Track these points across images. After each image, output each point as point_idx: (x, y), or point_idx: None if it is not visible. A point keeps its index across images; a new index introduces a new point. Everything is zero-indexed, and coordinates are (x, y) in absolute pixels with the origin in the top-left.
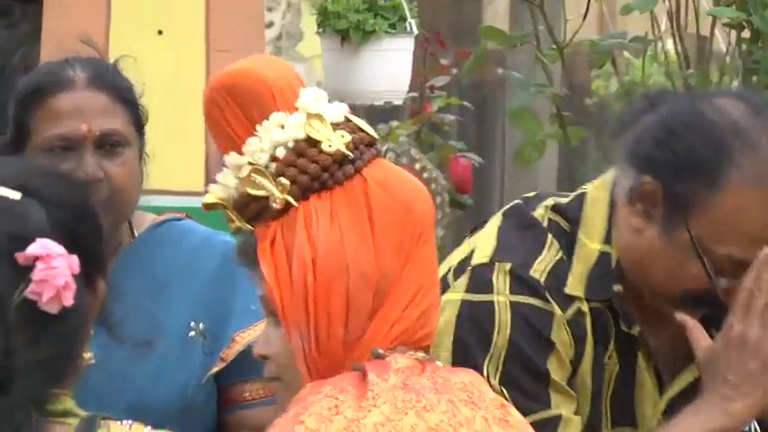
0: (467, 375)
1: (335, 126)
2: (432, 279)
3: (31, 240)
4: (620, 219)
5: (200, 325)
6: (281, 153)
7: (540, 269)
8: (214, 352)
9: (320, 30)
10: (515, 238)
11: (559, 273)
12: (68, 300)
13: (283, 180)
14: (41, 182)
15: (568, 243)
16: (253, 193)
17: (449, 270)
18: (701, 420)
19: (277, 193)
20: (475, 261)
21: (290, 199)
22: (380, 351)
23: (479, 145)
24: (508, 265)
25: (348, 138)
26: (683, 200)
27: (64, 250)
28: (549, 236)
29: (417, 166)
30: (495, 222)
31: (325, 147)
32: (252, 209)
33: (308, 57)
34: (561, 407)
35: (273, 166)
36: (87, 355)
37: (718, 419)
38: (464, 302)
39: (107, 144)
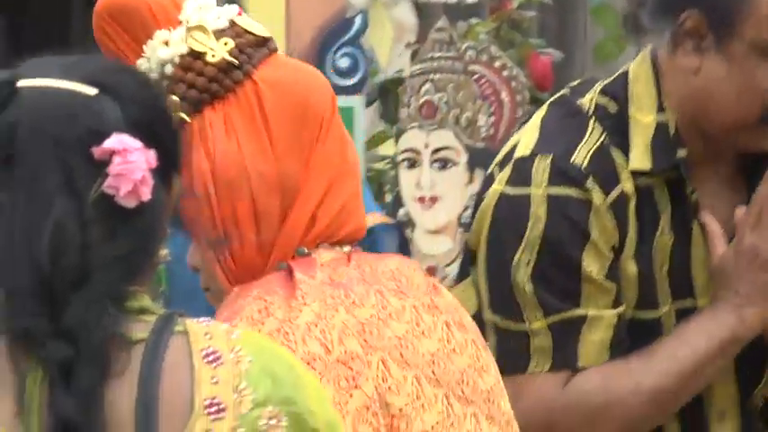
0: (393, 261)
1: (220, 33)
2: (345, 170)
3: (107, 135)
4: (672, 75)
5: None
6: (168, 70)
7: (582, 154)
8: None
9: None
10: (558, 129)
11: (602, 156)
12: (146, 194)
13: (174, 97)
14: (117, 78)
15: (615, 126)
16: None
17: (495, 163)
18: (716, 326)
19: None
20: (517, 154)
21: (183, 116)
22: (305, 250)
23: (560, 41)
24: (549, 157)
25: (232, 44)
26: (725, 13)
27: (140, 144)
28: (592, 122)
29: (497, 63)
30: (539, 114)
31: (209, 57)
32: None
33: None
34: (590, 304)
35: (164, 84)
36: (163, 252)
37: (731, 325)
38: (502, 195)
39: None
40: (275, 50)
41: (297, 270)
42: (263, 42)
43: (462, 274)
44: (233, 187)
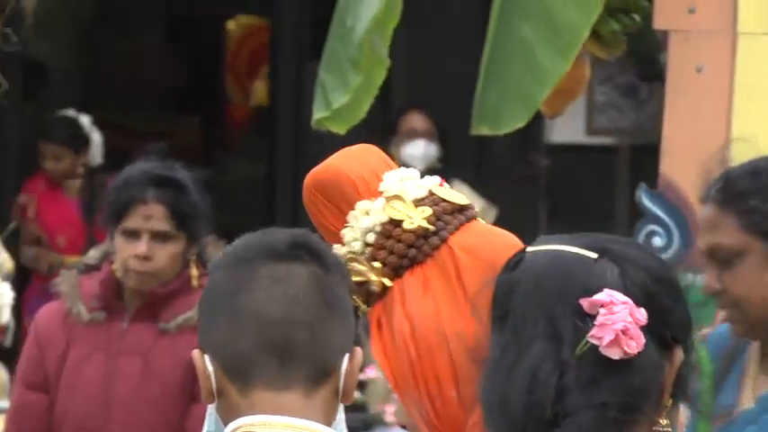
0: None
1: (418, 202)
2: None
3: (599, 292)
4: None
5: None
6: (371, 238)
7: None
8: None
9: None
10: None
11: None
12: (631, 347)
13: (375, 264)
14: (619, 246)
15: None
16: (355, 279)
17: None
18: None
19: (373, 277)
20: None
21: (385, 280)
22: None
23: None
24: None
25: (429, 211)
26: None
27: (630, 300)
28: None
29: None
30: None
31: (406, 225)
32: (362, 294)
33: None
34: None
35: (368, 251)
36: (663, 421)
37: None
38: None
39: (717, 257)
40: (473, 218)
41: None
42: (460, 210)
43: None
44: (433, 350)
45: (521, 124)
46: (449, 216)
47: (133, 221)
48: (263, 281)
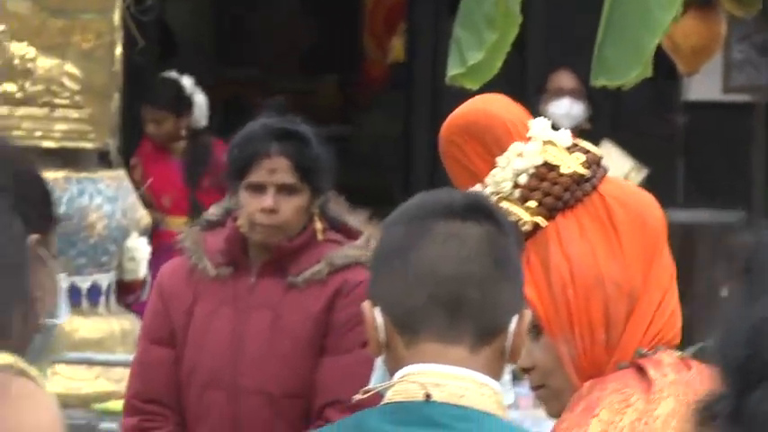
0: None
1: (568, 149)
2: (672, 282)
3: None
4: None
5: None
6: (523, 180)
7: None
8: None
9: None
10: None
11: None
12: None
13: (530, 204)
14: None
15: None
16: None
17: None
18: None
19: (526, 216)
20: None
21: (539, 220)
22: (644, 350)
23: None
24: None
25: (583, 158)
26: None
27: None
28: None
29: None
30: None
31: (563, 169)
32: None
33: None
34: None
35: (518, 192)
36: None
37: None
38: None
39: None
40: (608, 170)
41: (649, 368)
42: (601, 160)
43: None
44: (590, 292)
45: (634, 74)
46: (596, 166)
47: (258, 175)
48: (437, 238)
